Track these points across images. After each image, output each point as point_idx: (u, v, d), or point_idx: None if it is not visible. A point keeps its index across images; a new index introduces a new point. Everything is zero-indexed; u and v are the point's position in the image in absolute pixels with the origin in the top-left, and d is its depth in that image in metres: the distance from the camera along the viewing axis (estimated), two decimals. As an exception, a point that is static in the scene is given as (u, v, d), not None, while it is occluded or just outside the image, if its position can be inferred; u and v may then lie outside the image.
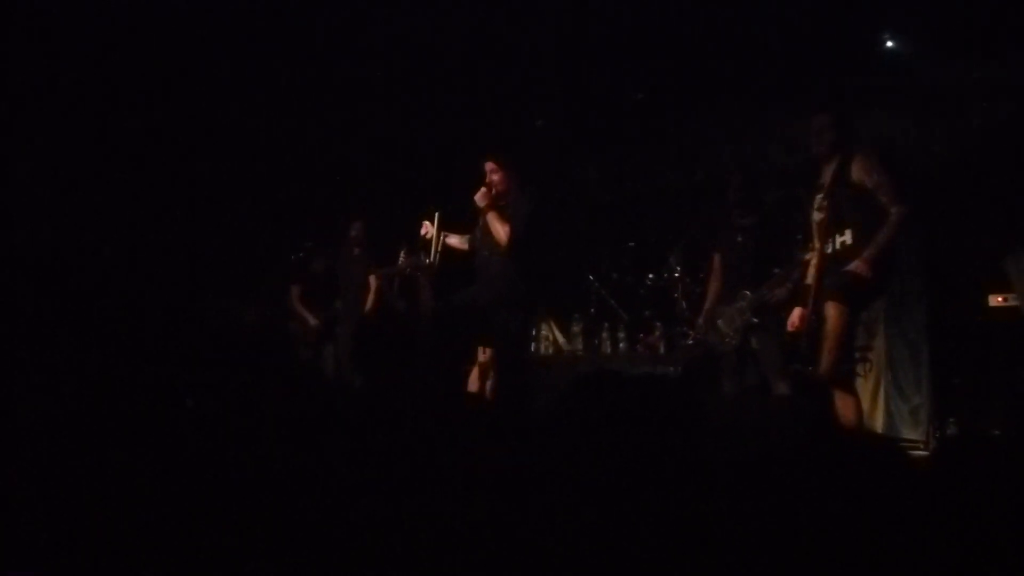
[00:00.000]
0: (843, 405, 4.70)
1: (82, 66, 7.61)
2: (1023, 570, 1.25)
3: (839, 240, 4.80)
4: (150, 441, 1.67)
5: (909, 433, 6.90)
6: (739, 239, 5.97)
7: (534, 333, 8.12)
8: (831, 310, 4.66)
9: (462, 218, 6.07)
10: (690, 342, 7.14)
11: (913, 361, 7.05)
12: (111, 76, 7.77)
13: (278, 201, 9.08)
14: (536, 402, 5.97)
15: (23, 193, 8.18)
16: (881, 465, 1.19)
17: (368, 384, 7.51)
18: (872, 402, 6.97)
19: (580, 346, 8.27)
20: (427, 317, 7.02)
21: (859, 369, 5.04)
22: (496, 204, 5.71)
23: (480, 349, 5.93)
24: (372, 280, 8.26)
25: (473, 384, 5.89)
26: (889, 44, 7.39)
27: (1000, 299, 6.51)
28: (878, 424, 6.89)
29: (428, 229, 6.16)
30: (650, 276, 8.16)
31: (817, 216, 4.93)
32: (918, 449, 6.53)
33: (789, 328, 5.01)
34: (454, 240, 6.13)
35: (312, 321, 8.44)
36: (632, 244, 8.78)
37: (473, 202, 5.74)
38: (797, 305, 4.98)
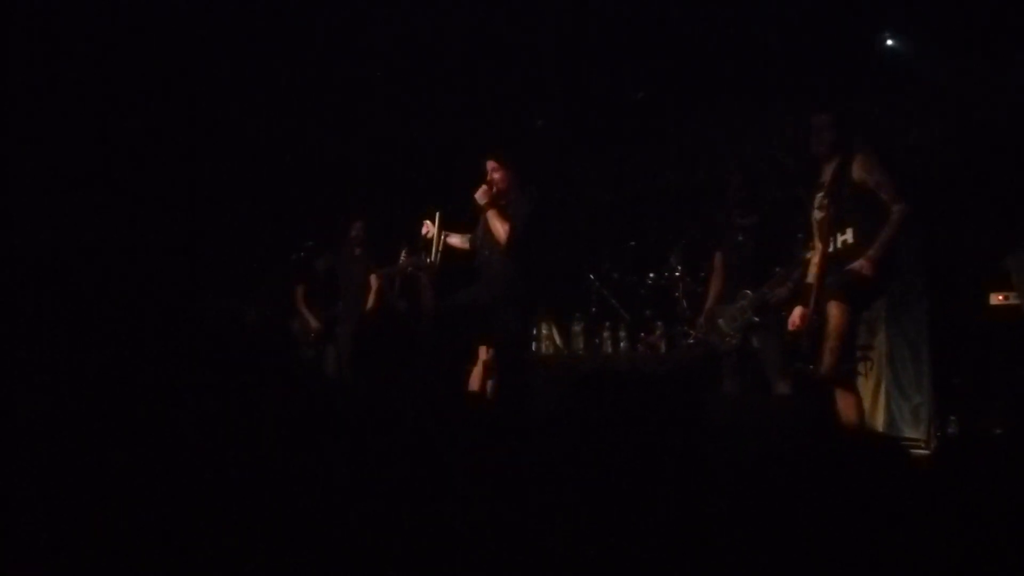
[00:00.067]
0: (844, 404, 4.70)
1: (82, 66, 7.61)
2: (1024, 569, 1.25)
3: (840, 239, 4.80)
4: (150, 441, 1.67)
5: (910, 432, 6.89)
6: (740, 238, 5.97)
7: (534, 333, 8.11)
8: (833, 309, 4.66)
9: (463, 217, 6.07)
10: (691, 341, 7.14)
11: (914, 360, 7.04)
12: (111, 76, 7.77)
13: (279, 200, 9.08)
14: (537, 402, 5.98)
15: (23, 193, 8.18)
16: (882, 464, 1.19)
17: (369, 384, 7.51)
18: (873, 401, 6.97)
19: (581, 346, 8.26)
20: (428, 317, 7.02)
21: (860, 368, 5.05)
22: (496, 203, 5.71)
23: (481, 348, 5.93)
24: (373, 280, 8.25)
25: (474, 384, 5.89)
26: (889, 43, 7.39)
27: (1001, 297, 6.50)
28: (879, 423, 6.89)
29: (429, 228, 6.16)
30: (651, 275, 8.16)
31: (818, 215, 4.94)
32: (919, 448, 6.53)
33: (790, 327, 5.01)
34: (455, 239, 6.13)
35: (314, 324, 8.43)
36: (633, 243, 8.77)
37: (474, 201, 5.74)
38: (798, 304, 4.98)
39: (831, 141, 4.89)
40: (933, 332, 7.00)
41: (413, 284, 8.05)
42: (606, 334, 8.30)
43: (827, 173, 4.91)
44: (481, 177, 5.79)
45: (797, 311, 4.95)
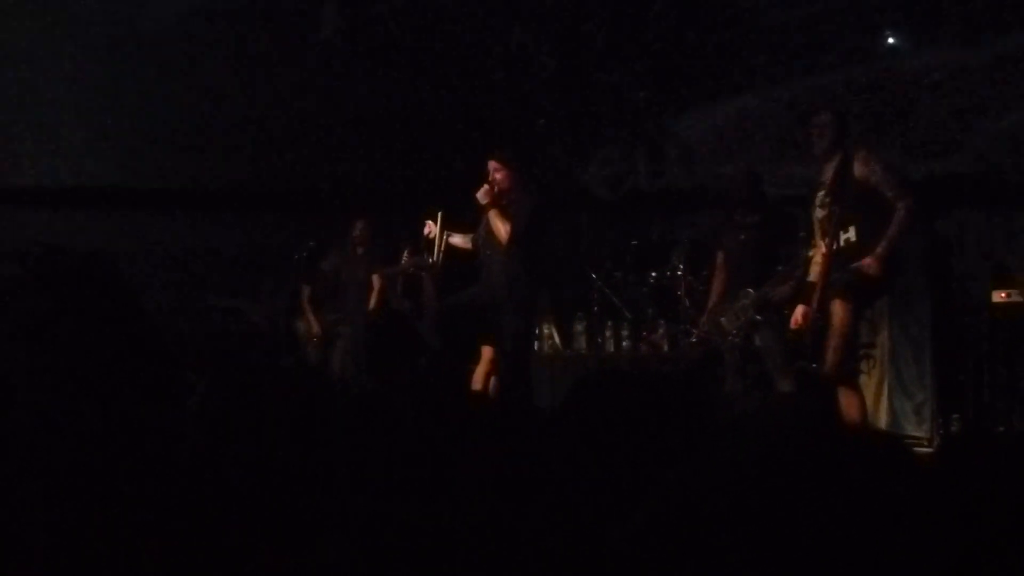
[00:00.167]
0: (847, 403, 4.70)
1: (83, 65, 7.62)
2: (1028, 567, 1.25)
3: (843, 237, 4.80)
4: (152, 441, 1.67)
5: (913, 430, 6.89)
6: (742, 237, 5.97)
7: (536, 332, 8.11)
8: (837, 308, 4.65)
9: (465, 217, 6.07)
10: (693, 341, 7.13)
11: (917, 358, 7.04)
12: (112, 75, 7.78)
13: (281, 200, 9.08)
14: (539, 401, 5.97)
15: (23, 193, 8.20)
16: (885, 462, 1.19)
17: (371, 384, 7.50)
18: (876, 399, 6.96)
19: (583, 345, 8.25)
20: (430, 317, 7.02)
21: (863, 366, 5.04)
22: (498, 203, 5.71)
23: (484, 348, 5.93)
24: (375, 280, 8.24)
25: (476, 383, 5.89)
26: (890, 41, 7.38)
27: (1004, 295, 6.50)
28: (882, 421, 6.88)
29: (431, 228, 6.16)
30: (653, 274, 8.15)
31: (819, 213, 4.93)
32: (922, 446, 6.52)
33: (792, 326, 5.01)
34: (457, 239, 6.13)
35: (315, 329, 8.41)
36: (635, 243, 8.76)
37: (475, 201, 5.74)
38: (800, 303, 4.98)
39: (831, 140, 4.89)
40: (936, 330, 6.99)
41: (415, 284, 8.04)
42: (608, 333, 8.29)
43: (828, 172, 4.91)
44: (483, 177, 5.79)
45: (799, 310, 4.94)
